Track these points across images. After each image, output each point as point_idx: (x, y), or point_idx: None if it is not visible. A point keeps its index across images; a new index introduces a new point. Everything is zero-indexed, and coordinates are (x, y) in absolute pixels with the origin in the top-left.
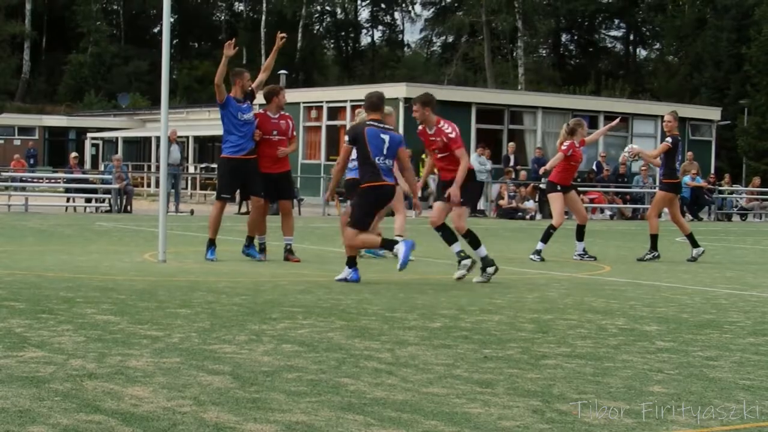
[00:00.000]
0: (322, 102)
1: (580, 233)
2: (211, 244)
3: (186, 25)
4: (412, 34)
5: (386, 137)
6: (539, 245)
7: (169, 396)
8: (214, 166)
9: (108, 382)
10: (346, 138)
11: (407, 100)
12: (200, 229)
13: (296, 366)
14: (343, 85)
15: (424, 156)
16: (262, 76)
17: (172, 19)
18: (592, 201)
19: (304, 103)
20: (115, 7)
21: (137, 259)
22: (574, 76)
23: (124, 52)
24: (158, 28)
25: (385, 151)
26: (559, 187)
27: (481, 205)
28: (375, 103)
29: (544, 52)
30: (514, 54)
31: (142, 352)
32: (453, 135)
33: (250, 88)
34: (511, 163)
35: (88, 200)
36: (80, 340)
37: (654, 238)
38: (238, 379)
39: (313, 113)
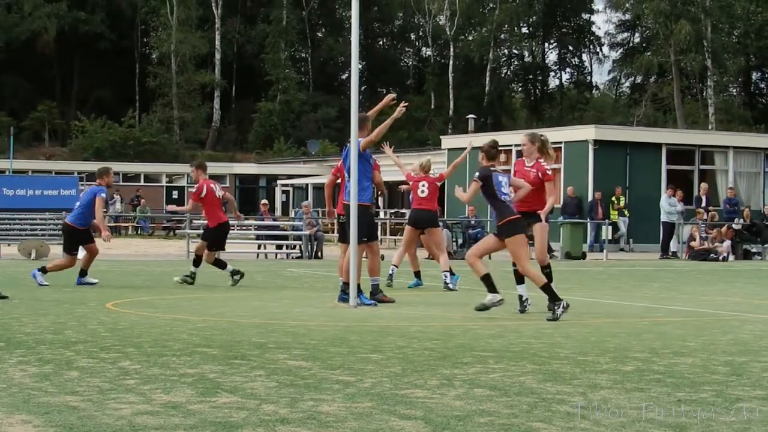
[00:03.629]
0: (511, 146)
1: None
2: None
3: (374, 71)
4: (600, 76)
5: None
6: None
7: None
8: (405, 211)
9: (300, 427)
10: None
11: (596, 142)
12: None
13: (488, 410)
14: (531, 128)
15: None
16: (373, 137)
17: (360, 66)
18: None
19: None
20: (303, 54)
21: (328, 304)
22: (766, 114)
23: (312, 99)
24: (346, 75)
25: None
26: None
27: (673, 246)
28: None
29: (734, 90)
30: (704, 93)
31: (334, 397)
32: None
33: None
34: (703, 204)
35: (279, 247)
36: (272, 385)
37: None
38: (430, 423)
39: (503, 157)
